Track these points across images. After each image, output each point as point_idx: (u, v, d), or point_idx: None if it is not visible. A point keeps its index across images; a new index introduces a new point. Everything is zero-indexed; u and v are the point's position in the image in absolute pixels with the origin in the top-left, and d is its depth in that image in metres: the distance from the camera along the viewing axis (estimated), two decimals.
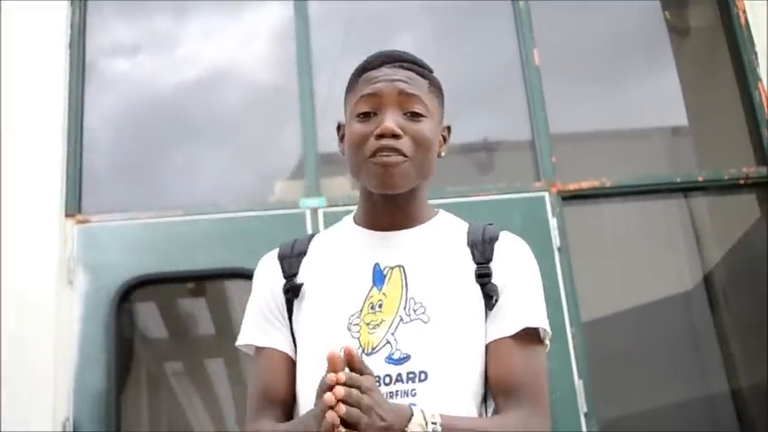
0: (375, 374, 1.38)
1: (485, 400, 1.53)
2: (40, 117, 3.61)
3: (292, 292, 1.57)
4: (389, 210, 1.57)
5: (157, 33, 4.19)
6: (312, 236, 1.68)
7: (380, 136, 1.48)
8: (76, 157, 3.64)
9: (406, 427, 1.32)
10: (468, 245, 1.58)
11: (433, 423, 1.34)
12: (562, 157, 3.74)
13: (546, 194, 3.63)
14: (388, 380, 1.45)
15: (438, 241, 1.59)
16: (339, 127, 1.63)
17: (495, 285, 1.52)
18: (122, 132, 4.02)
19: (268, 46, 4.25)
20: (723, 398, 4.45)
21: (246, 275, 3.49)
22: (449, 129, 1.63)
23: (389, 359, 1.46)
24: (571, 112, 4.12)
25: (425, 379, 1.44)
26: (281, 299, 1.58)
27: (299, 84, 3.84)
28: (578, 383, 3.37)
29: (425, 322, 1.48)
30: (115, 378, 3.31)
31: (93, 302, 3.40)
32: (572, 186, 3.68)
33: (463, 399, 1.47)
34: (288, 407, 1.55)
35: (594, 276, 3.79)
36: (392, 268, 1.54)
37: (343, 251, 1.60)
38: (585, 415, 3.33)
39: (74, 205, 3.55)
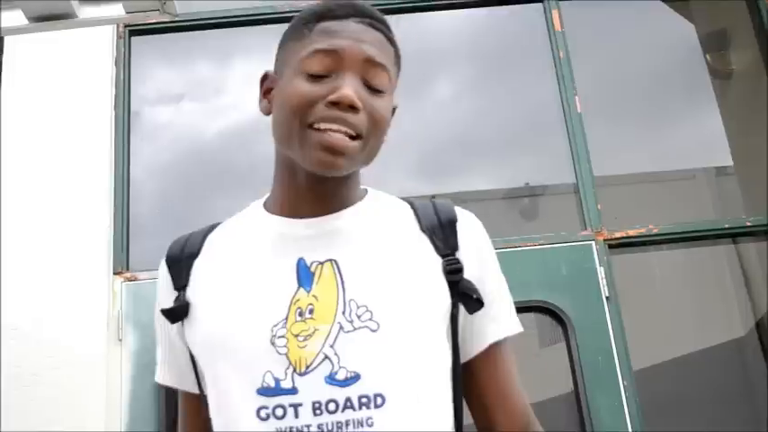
0: (314, 399, 1.12)
1: (458, 421, 1.25)
2: (86, 173, 3.62)
3: (177, 312, 1.26)
4: (317, 193, 1.25)
5: (201, 81, 4.22)
6: (212, 227, 1.37)
7: (334, 104, 1.17)
8: (123, 214, 3.65)
9: None
10: (425, 231, 1.26)
11: None
12: (607, 203, 3.70)
13: (593, 243, 3.60)
14: (333, 407, 1.12)
15: (380, 225, 1.27)
16: (266, 77, 1.33)
17: (471, 282, 1.24)
18: (169, 184, 4.04)
19: None
20: None
21: None
22: (394, 109, 1.31)
23: (331, 380, 1.13)
24: (614, 156, 4.09)
25: (383, 404, 1.12)
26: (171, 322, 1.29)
27: None
28: None
29: (374, 330, 1.16)
30: None
31: (143, 361, 3.40)
32: (618, 234, 3.64)
33: (431, 426, 1.17)
34: None
35: (644, 324, 3.73)
36: (321, 264, 1.21)
37: (252, 246, 1.27)
38: None
39: (122, 262, 3.57)
